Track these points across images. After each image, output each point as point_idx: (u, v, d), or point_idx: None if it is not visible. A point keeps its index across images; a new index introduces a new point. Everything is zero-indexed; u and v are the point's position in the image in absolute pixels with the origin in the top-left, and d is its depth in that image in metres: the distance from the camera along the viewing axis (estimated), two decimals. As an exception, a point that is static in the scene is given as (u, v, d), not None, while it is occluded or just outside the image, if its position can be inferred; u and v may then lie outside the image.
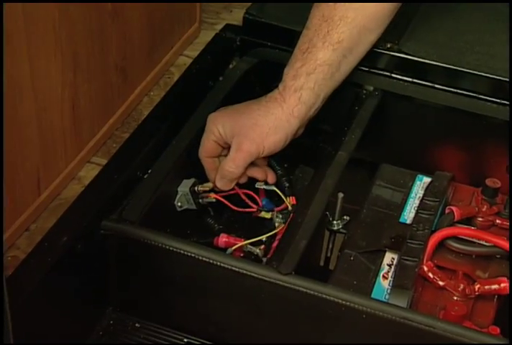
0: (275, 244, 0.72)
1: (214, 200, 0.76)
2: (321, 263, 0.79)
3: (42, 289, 0.62)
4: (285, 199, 0.75)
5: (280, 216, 0.75)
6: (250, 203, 0.77)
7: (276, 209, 0.76)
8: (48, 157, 0.74)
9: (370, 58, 0.80)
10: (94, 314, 0.72)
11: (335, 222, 0.76)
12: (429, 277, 0.69)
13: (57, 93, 0.72)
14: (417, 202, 0.75)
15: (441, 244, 0.71)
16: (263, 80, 0.87)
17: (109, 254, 0.68)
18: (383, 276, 0.68)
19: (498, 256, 0.70)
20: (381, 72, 0.82)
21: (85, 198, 0.68)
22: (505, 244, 0.70)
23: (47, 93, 0.70)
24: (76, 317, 0.68)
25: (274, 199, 0.78)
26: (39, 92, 0.69)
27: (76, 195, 0.69)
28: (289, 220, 0.71)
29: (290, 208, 0.75)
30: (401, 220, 0.74)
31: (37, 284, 0.61)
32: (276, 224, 0.75)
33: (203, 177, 0.76)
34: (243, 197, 0.77)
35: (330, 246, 0.79)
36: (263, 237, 0.72)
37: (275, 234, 0.74)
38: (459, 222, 0.72)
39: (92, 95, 0.79)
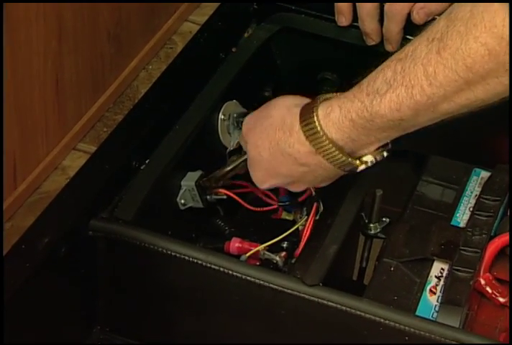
0: (298, 251, 0.73)
1: (225, 197, 0.77)
2: (355, 274, 0.80)
3: (17, 301, 0.63)
4: None
5: (305, 215, 0.76)
6: (268, 201, 0.78)
7: (300, 199, 0.76)
8: (26, 142, 0.75)
9: (417, 26, 0.81)
10: (79, 334, 0.73)
11: (372, 225, 0.77)
12: (487, 291, 0.70)
13: (38, 64, 0.73)
14: (473, 201, 0.76)
15: (502, 252, 0.72)
16: (285, 52, 0.88)
17: (98, 259, 0.70)
18: (430, 290, 0.69)
19: None
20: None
21: (70, 192, 0.69)
22: None
23: (26, 64, 0.71)
24: (57, 338, 0.69)
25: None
26: (17, 63, 0.70)
27: (59, 189, 0.70)
28: (311, 216, 0.72)
29: (313, 193, 0.75)
30: (453, 223, 0.75)
31: (12, 295, 0.62)
32: (299, 225, 0.76)
33: (211, 169, 0.78)
34: (259, 194, 0.78)
35: (365, 253, 0.80)
36: (281, 237, 0.73)
37: (299, 239, 0.75)
38: (524, 226, 0.73)
39: (79, 68, 0.80)
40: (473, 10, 0.56)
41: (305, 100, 0.68)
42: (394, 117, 0.61)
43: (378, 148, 0.65)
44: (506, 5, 0.54)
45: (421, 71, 0.58)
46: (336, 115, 0.63)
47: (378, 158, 0.65)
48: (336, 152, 0.64)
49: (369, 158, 0.65)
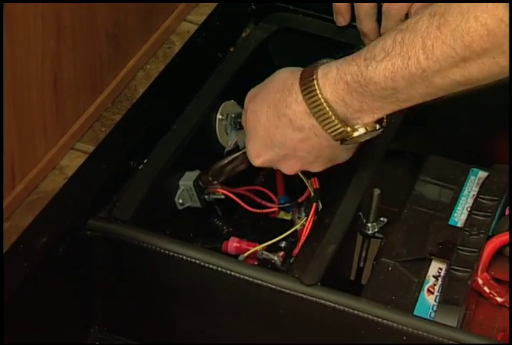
0: (296, 250, 0.73)
1: (223, 196, 0.77)
2: (352, 273, 0.80)
3: (15, 301, 0.63)
4: (305, 181, 0.75)
5: (303, 215, 0.76)
6: (268, 204, 0.79)
7: (299, 200, 0.76)
8: (24, 142, 0.75)
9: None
10: (77, 334, 0.73)
11: (369, 224, 0.77)
12: (485, 291, 0.70)
13: (36, 64, 0.73)
14: (470, 201, 0.76)
15: (500, 252, 0.72)
16: (283, 52, 0.88)
17: (96, 258, 0.70)
18: (428, 290, 0.69)
19: None
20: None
21: (68, 191, 0.69)
22: None
23: (24, 64, 0.71)
24: (55, 337, 0.69)
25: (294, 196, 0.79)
26: (15, 63, 0.70)
27: (57, 188, 0.70)
28: (310, 216, 0.72)
29: (312, 193, 0.75)
30: (451, 222, 0.75)
31: (10, 295, 0.62)
32: (298, 226, 0.76)
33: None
34: (259, 200, 0.78)
35: (363, 253, 0.80)
36: (280, 238, 0.73)
37: (297, 239, 0.75)
38: (521, 226, 0.74)
39: (77, 67, 0.80)
40: None
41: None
42: (387, 86, 0.61)
43: (371, 122, 0.65)
44: None
45: (420, 44, 0.59)
46: (333, 75, 0.64)
47: (369, 129, 0.65)
48: (330, 114, 0.64)
49: (361, 129, 0.65)
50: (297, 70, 0.68)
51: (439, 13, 0.58)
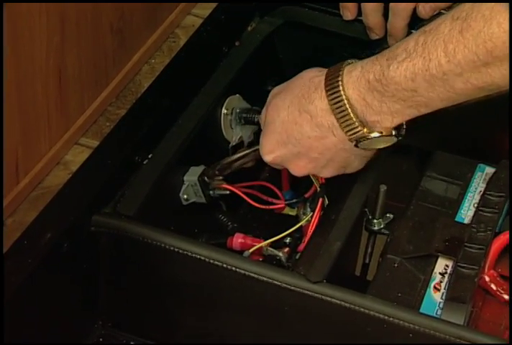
0: (302, 246, 0.72)
1: (228, 192, 0.77)
2: (358, 270, 0.80)
3: (19, 297, 0.63)
4: (311, 176, 0.74)
5: (309, 210, 0.75)
6: (275, 200, 0.78)
7: (306, 195, 0.76)
8: (28, 137, 0.75)
9: (422, 21, 0.80)
10: (80, 330, 0.73)
11: (375, 221, 0.77)
12: (492, 288, 0.70)
13: (41, 59, 0.73)
14: (477, 197, 0.76)
15: (507, 249, 0.72)
16: (289, 46, 0.87)
17: (101, 254, 0.70)
18: (435, 287, 0.69)
19: None
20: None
21: (73, 187, 0.69)
22: None
23: (29, 59, 0.71)
24: (59, 333, 0.69)
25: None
26: (19, 58, 0.70)
27: (62, 184, 0.70)
28: (316, 212, 0.71)
29: (318, 188, 0.75)
30: (457, 219, 0.74)
31: (14, 291, 0.62)
32: (303, 222, 0.76)
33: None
34: (265, 197, 0.78)
35: (369, 249, 0.79)
36: (285, 234, 0.72)
37: (302, 235, 0.75)
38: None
39: (82, 62, 0.80)
40: None
41: None
42: (408, 86, 0.61)
43: (388, 128, 0.65)
44: None
45: (442, 47, 0.59)
46: (357, 73, 0.64)
47: (385, 133, 0.65)
48: (349, 111, 0.64)
49: (377, 132, 0.65)
50: (324, 69, 0.68)
51: (461, 17, 0.58)
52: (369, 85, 0.63)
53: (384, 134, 0.65)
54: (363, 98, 0.64)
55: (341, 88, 0.64)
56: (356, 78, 0.64)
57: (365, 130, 0.64)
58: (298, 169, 0.70)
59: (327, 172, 0.70)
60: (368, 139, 0.65)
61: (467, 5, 0.59)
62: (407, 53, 0.61)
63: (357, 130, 0.65)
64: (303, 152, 0.68)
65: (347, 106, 0.64)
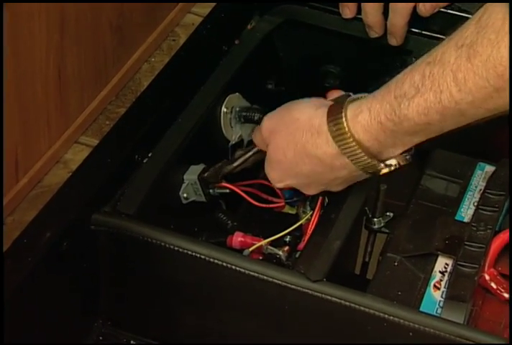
0: (301, 245, 0.72)
1: (228, 191, 0.77)
2: (358, 269, 0.80)
3: (18, 296, 0.62)
4: None
5: (308, 209, 0.75)
6: (275, 200, 0.78)
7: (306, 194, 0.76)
8: (28, 136, 0.75)
9: (422, 19, 0.80)
10: (80, 329, 0.73)
11: (375, 219, 0.77)
12: (492, 287, 0.69)
13: (41, 58, 0.73)
14: (477, 196, 0.76)
15: (507, 248, 0.71)
16: (289, 45, 0.87)
17: (101, 253, 0.69)
18: (435, 285, 0.69)
19: None
20: (435, 35, 0.82)
21: (72, 185, 0.69)
22: None
23: (28, 58, 0.71)
24: (58, 332, 0.69)
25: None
26: (19, 57, 0.70)
27: (61, 183, 0.70)
28: (316, 211, 0.71)
29: None
30: (457, 217, 0.74)
31: (14, 290, 0.62)
32: (303, 221, 0.76)
33: (213, 163, 0.77)
34: (265, 195, 0.77)
35: (369, 248, 0.79)
36: (285, 233, 0.72)
37: (302, 233, 0.74)
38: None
39: (81, 60, 0.80)
40: (505, 19, 0.55)
41: (327, 101, 0.68)
42: (421, 121, 0.61)
43: (402, 153, 0.65)
44: None
45: (451, 77, 0.58)
46: (366, 117, 0.63)
47: (402, 162, 0.65)
48: (362, 154, 0.64)
49: (393, 162, 0.65)
50: (320, 106, 0.67)
51: (466, 44, 0.57)
52: (382, 126, 0.62)
53: (400, 163, 0.65)
54: (375, 138, 0.63)
55: (349, 134, 0.63)
56: (365, 122, 0.63)
57: (381, 165, 0.65)
58: (311, 191, 0.71)
59: (339, 188, 0.70)
60: (383, 172, 0.65)
61: (469, 30, 0.57)
62: (415, 89, 0.60)
63: (372, 165, 0.64)
64: (314, 181, 0.69)
65: (359, 149, 0.63)
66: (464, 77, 0.57)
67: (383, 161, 0.65)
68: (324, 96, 0.71)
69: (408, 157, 0.65)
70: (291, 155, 0.67)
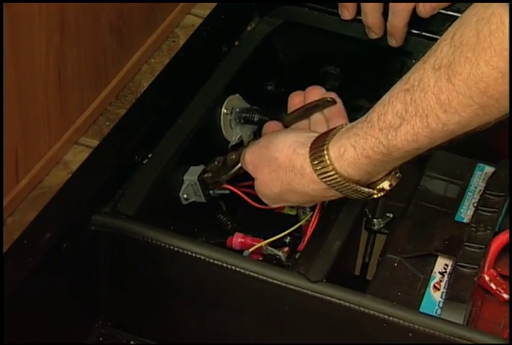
0: (301, 246, 0.72)
1: (228, 191, 0.77)
2: (358, 269, 0.80)
3: (19, 296, 0.62)
4: None
5: (308, 210, 0.75)
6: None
7: None
8: (28, 137, 0.75)
9: (422, 20, 0.80)
10: (80, 329, 0.73)
11: (375, 220, 0.77)
12: (491, 288, 0.69)
13: (41, 59, 0.73)
14: (477, 196, 0.76)
15: (506, 249, 0.71)
16: (288, 46, 0.87)
17: (101, 254, 0.70)
18: (434, 286, 0.69)
19: None
20: (435, 36, 0.82)
21: (73, 186, 0.69)
22: None
23: (28, 59, 0.71)
24: (58, 332, 0.69)
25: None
26: (19, 58, 0.70)
27: (61, 183, 0.70)
28: (316, 212, 0.71)
29: None
30: (457, 218, 0.74)
31: (14, 291, 0.62)
32: (303, 222, 0.76)
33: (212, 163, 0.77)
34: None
35: (369, 249, 0.79)
36: (285, 233, 0.72)
37: (302, 234, 0.74)
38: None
39: (81, 61, 0.80)
40: (479, 34, 0.54)
41: (306, 136, 0.67)
42: (411, 147, 0.60)
43: (391, 172, 0.65)
44: None
45: (433, 100, 0.57)
46: (351, 154, 0.62)
47: (394, 182, 0.65)
48: (353, 185, 0.64)
49: (385, 184, 0.65)
50: (298, 146, 0.66)
51: (444, 65, 0.56)
52: (371, 160, 0.62)
53: (392, 183, 0.65)
54: (365, 171, 0.63)
55: (338, 174, 0.63)
56: (353, 159, 0.62)
57: (375, 192, 0.65)
58: (308, 205, 0.72)
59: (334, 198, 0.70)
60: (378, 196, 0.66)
61: (444, 50, 0.57)
62: (400, 118, 0.59)
63: (366, 193, 0.64)
64: (308, 202, 0.70)
65: (351, 185, 0.63)
66: (448, 98, 0.57)
67: (375, 185, 0.65)
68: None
69: (398, 175, 0.65)
70: (278, 191, 0.68)
